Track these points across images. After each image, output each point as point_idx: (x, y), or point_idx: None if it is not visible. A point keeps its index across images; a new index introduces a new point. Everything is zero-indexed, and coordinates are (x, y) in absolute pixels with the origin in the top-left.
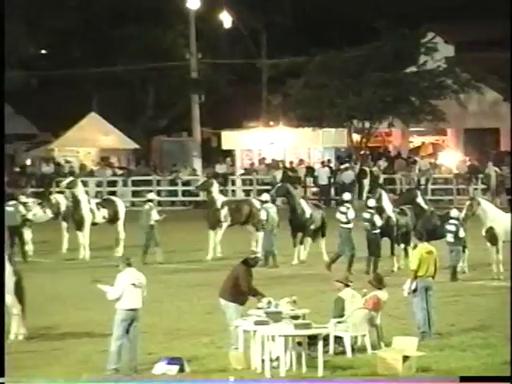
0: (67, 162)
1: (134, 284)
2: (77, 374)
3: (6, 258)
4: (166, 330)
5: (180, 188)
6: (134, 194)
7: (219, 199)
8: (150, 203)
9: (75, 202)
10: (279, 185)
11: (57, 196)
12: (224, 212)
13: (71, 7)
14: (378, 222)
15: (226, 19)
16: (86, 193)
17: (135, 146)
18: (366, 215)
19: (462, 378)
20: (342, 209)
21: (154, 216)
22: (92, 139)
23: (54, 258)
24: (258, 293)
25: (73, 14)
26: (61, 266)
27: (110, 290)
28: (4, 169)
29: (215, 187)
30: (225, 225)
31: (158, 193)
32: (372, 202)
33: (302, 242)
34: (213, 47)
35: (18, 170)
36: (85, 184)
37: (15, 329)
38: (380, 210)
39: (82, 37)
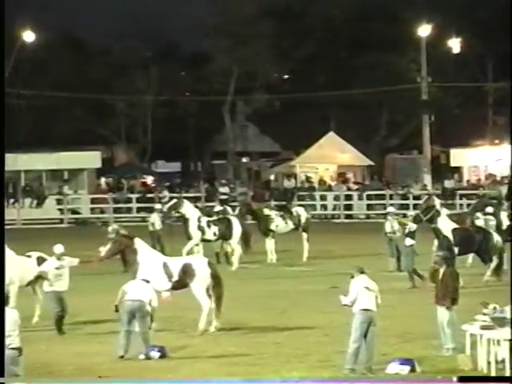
0: (307, 177)
1: (367, 287)
2: (317, 372)
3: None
4: (398, 332)
5: (411, 202)
6: (369, 207)
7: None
8: (388, 216)
9: (184, 220)
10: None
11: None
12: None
13: (317, 38)
14: None
15: (455, 45)
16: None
17: (370, 162)
18: None
19: (461, 378)
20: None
21: (387, 228)
22: (330, 156)
23: (296, 265)
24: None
25: (316, 44)
26: (304, 274)
27: (347, 298)
28: (4, 169)
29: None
30: None
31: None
32: None
33: None
34: (442, 71)
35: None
36: (323, 198)
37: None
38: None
39: (325, 64)
